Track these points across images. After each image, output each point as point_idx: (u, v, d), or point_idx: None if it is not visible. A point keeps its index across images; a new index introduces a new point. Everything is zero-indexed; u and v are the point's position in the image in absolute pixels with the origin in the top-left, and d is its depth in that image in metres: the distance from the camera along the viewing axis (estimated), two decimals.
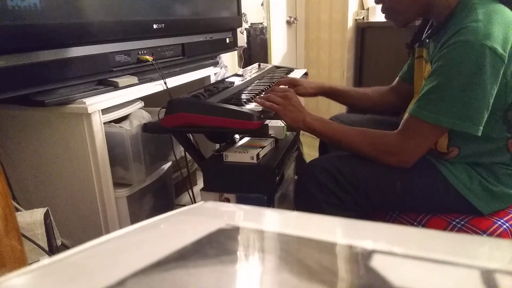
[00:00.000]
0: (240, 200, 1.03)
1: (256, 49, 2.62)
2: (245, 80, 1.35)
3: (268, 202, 1.02)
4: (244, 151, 1.05)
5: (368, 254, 0.30)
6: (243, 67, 2.45)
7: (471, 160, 0.93)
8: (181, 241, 0.32)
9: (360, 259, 0.30)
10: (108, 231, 1.12)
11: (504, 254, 0.34)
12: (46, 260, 0.29)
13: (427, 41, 0.99)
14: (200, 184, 1.67)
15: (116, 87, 1.10)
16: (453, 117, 0.82)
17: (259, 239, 0.35)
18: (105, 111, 1.05)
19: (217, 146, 1.31)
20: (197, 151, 1.24)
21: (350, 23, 2.85)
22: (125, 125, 1.15)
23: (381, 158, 0.93)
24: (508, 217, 0.93)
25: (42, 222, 0.88)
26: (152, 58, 1.20)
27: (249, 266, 0.29)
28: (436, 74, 0.84)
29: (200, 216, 0.43)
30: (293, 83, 1.24)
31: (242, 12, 2.13)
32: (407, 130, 0.90)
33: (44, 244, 0.88)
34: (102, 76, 1.08)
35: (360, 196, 0.95)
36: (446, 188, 0.92)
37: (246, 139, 1.18)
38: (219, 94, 1.12)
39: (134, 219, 1.21)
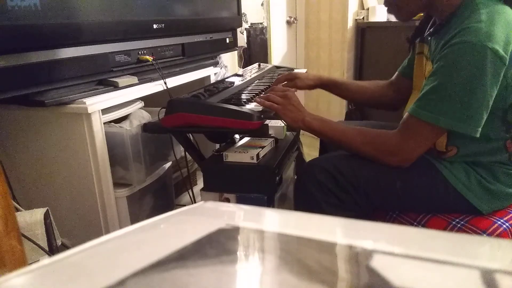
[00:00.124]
0: (240, 200, 1.03)
1: (256, 49, 2.62)
2: (245, 80, 1.35)
3: (268, 202, 1.02)
4: (244, 151, 1.05)
5: (368, 254, 0.30)
6: (243, 67, 2.45)
7: (470, 160, 0.93)
8: (181, 241, 0.32)
9: (360, 259, 0.30)
10: (108, 231, 1.12)
11: (504, 254, 0.34)
12: (46, 260, 0.29)
13: (429, 38, 0.99)
14: (200, 184, 1.67)
15: (116, 87, 1.10)
16: (452, 118, 0.82)
17: (259, 239, 0.35)
18: (105, 111, 1.05)
19: (217, 146, 1.31)
20: (197, 151, 1.24)
21: (350, 23, 2.85)
22: (125, 125, 1.15)
23: (380, 158, 0.93)
24: (508, 216, 0.93)
25: (42, 222, 0.88)
26: (152, 58, 1.20)
27: (249, 266, 0.29)
28: (437, 75, 0.84)
29: (200, 216, 0.43)
30: (291, 77, 1.24)
31: (242, 12, 2.13)
32: (406, 129, 0.90)
33: (44, 244, 0.88)
34: (102, 76, 1.08)
35: (359, 196, 0.95)
36: (446, 188, 0.92)
37: (246, 139, 1.18)
38: (219, 94, 1.12)
39: (134, 219, 1.21)
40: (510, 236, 0.91)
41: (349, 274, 0.28)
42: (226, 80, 1.37)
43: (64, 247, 1.06)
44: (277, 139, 1.19)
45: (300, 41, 3.19)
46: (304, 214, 0.41)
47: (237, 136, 1.20)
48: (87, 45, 1.02)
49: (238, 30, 1.84)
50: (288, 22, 3.05)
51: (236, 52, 2.38)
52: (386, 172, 0.94)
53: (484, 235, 0.89)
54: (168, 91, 1.23)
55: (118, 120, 1.15)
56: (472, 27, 0.80)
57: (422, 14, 1.07)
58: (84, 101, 0.99)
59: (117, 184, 1.15)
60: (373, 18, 2.81)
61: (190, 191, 1.43)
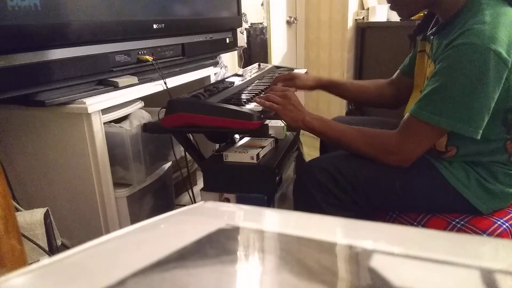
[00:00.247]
0: (240, 200, 1.03)
1: (256, 49, 2.63)
2: (245, 80, 1.35)
3: (268, 202, 1.02)
4: (244, 151, 1.05)
5: (368, 254, 0.30)
6: (243, 67, 2.45)
7: (469, 160, 0.93)
8: (181, 241, 0.32)
9: (360, 259, 0.30)
10: (108, 231, 1.12)
11: (504, 254, 0.34)
12: (46, 260, 0.29)
13: (431, 37, 0.99)
14: (200, 184, 1.67)
15: (116, 87, 1.10)
16: (453, 120, 0.82)
17: (259, 239, 0.35)
18: (105, 111, 1.05)
19: (217, 146, 1.31)
20: (197, 151, 1.24)
21: (350, 23, 2.85)
22: (125, 125, 1.15)
23: (380, 157, 0.93)
24: (508, 217, 0.93)
25: (42, 222, 0.88)
26: (152, 58, 1.20)
27: (249, 266, 0.29)
28: (439, 75, 0.84)
29: (200, 216, 0.43)
30: (290, 77, 1.23)
31: (242, 12, 2.13)
32: (407, 129, 0.90)
33: (44, 244, 0.88)
34: (102, 76, 1.08)
35: (359, 196, 0.95)
36: (445, 187, 0.92)
37: (246, 139, 1.18)
38: (219, 94, 1.12)
39: (134, 219, 1.21)
40: (510, 236, 0.91)
41: (349, 274, 0.28)
42: (226, 80, 1.37)
43: (64, 247, 1.06)
44: (277, 139, 1.19)
45: (300, 41, 3.19)
46: (304, 214, 0.41)
47: (237, 136, 1.20)
48: (87, 45, 1.02)
49: (238, 30, 1.84)
50: (288, 22, 3.05)
51: (236, 52, 2.38)
52: (386, 172, 0.94)
53: (484, 235, 0.89)
54: (168, 91, 1.23)
55: (118, 120, 1.15)
56: (476, 28, 0.80)
57: (422, 14, 1.06)
58: (84, 101, 0.99)
59: (117, 184, 1.15)
60: (373, 18, 2.80)
61: (190, 191, 1.43)
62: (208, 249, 0.31)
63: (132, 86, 1.15)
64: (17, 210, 0.96)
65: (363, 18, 2.86)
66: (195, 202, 1.27)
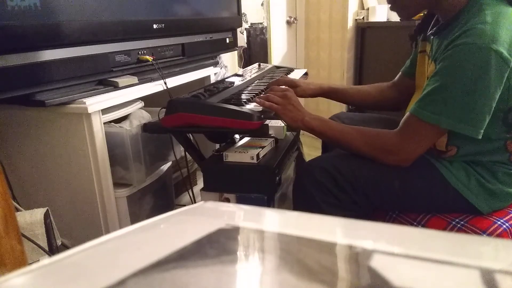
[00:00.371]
0: (240, 200, 1.03)
1: (256, 49, 2.63)
2: (245, 80, 1.35)
3: (268, 202, 1.02)
4: (244, 151, 1.05)
5: (368, 254, 0.30)
6: (243, 67, 2.45)
7: (469, 159, 0.93)
8: (181, 241, 0.32)
9: (360, 259, 0.30)
10: (108, 231, 1.12)
11: (504, 254, 0.34)
12: (46, 260, 0.29)
13: (432, 37, 0.99)
14: (200, 184, 1.67)
15: (116, 87, 1.10)
16: (454, 119, 0.82)
17: (259, 239, 0.35)
18: (105, 111, 1.05)
19: (217, 146, 1.31)
20: (197, 151, 1.24)
21: (350, 23, 2.85)
22: (125, 125, 1.15)
23: (379, 157, 0.93)
24: (508, 217, 0.93)
25: (42, 222, 0.88)
26: (152, 58, 1.20)
27: (249, 266, 0.29)
28: (439, 75, 0.84)
29: (200, 216, 0.43)
30: (291, 85, 1.23)
31: (242, 12, 2.13)
32: (407, 129, 0.90)
33: (44, 244, 0.88)
34: (102, 76, 1.08)
35: (359, 196, 0.95)
36: (445, 187, 0.92)
37: (246, 139, 1.18)
38: (219, 94, 1.12)
39: (134, 219, 1.21)
40: (510, 236, 0.91)
41: (349, 274, 0.28)
42: (226, 80, 1.37)
43: (64, 247, 1.06)
44: (277, 139, 1.19)
45: (300, 41, 3.19)
46: (304, 214, 0.41)
47: (237, 136, 1.20)
48: (87, 45, 1.02)
49: (238, 30, 1.84)
50: (288, 22, 3.05)
51: (236, 52, 2.38)
52: (386, 172, 0.94)
53: (484, 235, 0.89)
54: (168, 91, 1.23)
55: (118, 120, 1.15)
56: (477, 28, 0.80)
57: (422, 14, 1.06)
58: (84, 101, 0.99)
59: (117, 184, 1.15)
60: (373, 18, 2.81)
61: (190, 191, 1.43)
62: (208, 249, 0.31)
63: (132, 86, 1.15)
64: (17, 210, 0.96)
65: (363, 18, 2.86)
66: (195, 202, 1.27)
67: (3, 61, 0.82)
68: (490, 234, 0.90)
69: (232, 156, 1.04)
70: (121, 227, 1.15)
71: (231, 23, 1.71)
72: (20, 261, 0.72)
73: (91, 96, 1.02)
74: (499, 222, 0.91)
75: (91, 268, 0.29)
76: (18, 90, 0.87)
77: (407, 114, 0.91)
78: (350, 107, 2.92)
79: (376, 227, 0.39)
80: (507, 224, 0.91)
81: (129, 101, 1.15)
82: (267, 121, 1.12)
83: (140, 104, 1.22)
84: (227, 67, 2.28)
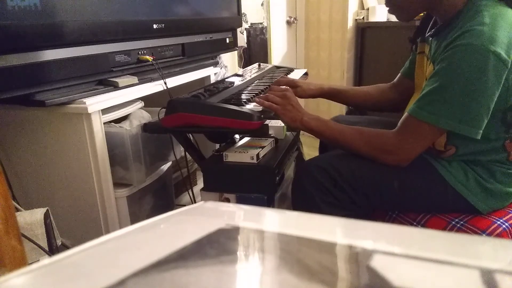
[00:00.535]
0: (240, 200, 1.03)
1: (256, 49, 2.63)
2: (245, 80, 1.35)
3: (268, 202, 1.02)
4: (244, 151, 1.05)
5: (368, 254, 0.30)
6: (243, 67, 2.45)
7: (468, 159, 0.93)
8: (181, 241, 0.32)
9: (360, 259, 0.30)
10: (108, 231, 1.12)
11: (504, 254, 0.34)
12: (46, 260, 0.29)
13: (430, 38, 0.99)
14: (200, 184, 1.67)
15: (116, 87, 1.10)
16: (453, 120, 0.82)
17: (259, 239, 0.35)
18: (105, 111, 1.05)
19: (217, 146, 1.31)
20: (197, 151, 1.24)
21: (350, 23, 2.85)
22: (125, 125, 1.15)
23: (378, 157, 0.94)
24: (508, 216, 0.93)
25: (42, 222, 0.88)
26: (152, 58, 1.20)
27: (249, 266, 0.29)
28: (438, 76, 0.84)
29: (200, 216, 0.43)
30: (292, 85, 1.23)
31: (242, 12, 2.13)
32: (405, 129, 0.90)
33: (44, 244, 0.88)
34: (102, 76, 1.08)
35: (358, 196, 0.95)
36: (444, 187, 0.92)
37: (246, 139, 1.18)
38: (219, 94, 1.12)
39: (134, 219, 1.21)
40: (509, 236, 0.91)
41: (349, 274, 0.28)
42: (226, 80, 1.37)
43: (64, 247, 1.06)
44: (277, 139, 1.19)
45: (300, 41, 3.19)
46: (304, 214, 0.41)
47: (237, 136, 1.20)
48: (87, 45, 1.02)
49: (238, 30, 1.84)
50: (288, 22, 3.05)
51: (236, 52, 2.38)
52: (385, 172, 0.94)
53: (484, 235, 0.90)
54: (168, 91, 1.23)
55: (118, 120, 1.15)
56: (475, 29, 0.80)
57: (422, 14, 1.07)
58: (84, 101, 0.99)
59: (117, 184, 1.15)
60: (373, 18, 2.81)
61: (190, 191, 1.43)
62: (208, 249, 0.31)
63: (132, 86, 1.15)
64: (17, 210, 0.96)
65: (363, 18, 2.86)
66: (195, 202, 1.27)
67: (3, 61, 0.82)
68: (489, 234, 0.90)
69: (232, 156, 1.04)
70: (121, 227, 1.15)
71: (231, 23, 1.71)
72: (20, 261, 0.72)
73: (91, 96, 1.02)
74: (498, 222, 0.91)
75: (91, 268, 0.29)
76: (18, 90, 0.87)
77: (405, 114, 0.91)
78: (350, 107, 2.92)
79: (376, 227, 0.39)
80: (506, 224, 0.91)
81: (129, 101, 1.15)
82: (267, 121, 1.12)
83: (140, 104, 1.22)
84: (227, 67, 2.28)
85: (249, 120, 0.94)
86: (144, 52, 1.21)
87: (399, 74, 1.23)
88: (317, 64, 3.16)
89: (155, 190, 1.33)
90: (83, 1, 0.98)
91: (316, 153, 1.33)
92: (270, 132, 1.21)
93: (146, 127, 1.08)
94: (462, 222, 0.93)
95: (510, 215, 0.93)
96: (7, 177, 1.07)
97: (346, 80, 2.98)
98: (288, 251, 0.31)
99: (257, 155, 1.03)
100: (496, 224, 0.91)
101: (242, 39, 2.47)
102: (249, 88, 1.27)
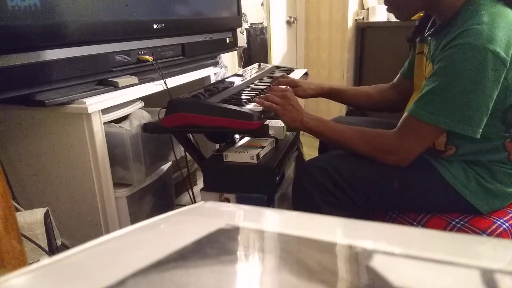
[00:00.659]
0: (240, 200, 1.03)
1: (256, 49, 2.63)
2: (245, 80, 1.35)
3: (268, 202, 1.02)
4: (244, 151, 1.05)
5: (368, 254, 0.30)
6: (243, 67, 2.45)
7: (468, 159, 0.93)
8: (181, 241, 0.32)
9: (360, 259, 0.30)
10: (108, 231, 1.12)
11: (504, 254, 0.34)
12: (46, 260, 0.29)
13: (429, 38, 0.99)
14: (200, 184, 1.67)
15: (116, 87, 1.10)
16: (452, 119, 0.82)
17: (259, 239, 0.35)
18: (105, 111, 1.05)
19: (217, 146, 1.31)
20: (197, 151, 1.24)
21: (350, 23, 2.85)
22: (125, 125, 1.15)
23: (378, 157, 0.94)
24: (508, 216, 0.93)
25: (42, 222, 0.88)
26: (152, 58, 1.20)
27: (249, 266, 0.29)
28: (437, 75, 0.84)
29: (200, 216, 0.43)
30: (292, 85, 1.23)
31: (242, 12, 2.13)
32: (405, 129, 0.90)
33: (44, 244, 0.88)
34: (102, 76, 1.08)
35: (358, 196, 0.95)
36: (444, 187, 0.92)
37: (246, 139, 1.18)
38: (219, 94, 1.12)
39: (134, 219, 1.21)
40: (510, 236, 0.91)
41: (349, 274, 0.28)
42: (226, 80, 1.37)
43: (64, 247, 1.06)
44: (277, 139, 1.19)
45: (300, 41, 3.19)
46: (304, 214, 0.41)
47: (237, 136, 1.20)
48: (87, 45, 1.02)
49: (238, 30, 1.84)
50: (288, 22, 3.05)
51: (236, 52, 2.38)
52: (385, 172, 0.94)
53: (484, 235, 0.90)
54: (168, 91, 1.23)
55: (118, 120, 1.15)
56: (474, 29, 0.80)
57: (421, 14, 1.07)
58: (84, 101, 0.99)
59: (117, 184, 1.15)
60: (373, 18, 2.81)
61: (190, 191, 1.43)
62: (208, 249, 0.31)
63: (132, 86, 1.15)
64: (17, 210, 0.96)
65: (363, 18, 2.86)
66: (195, 202, 1.27)
67: (3, 61, 0.82)
68: (490, 234, 0.90)
69: (232, 156, 1.04)
70: (121, 227, 1.15)
71: (231, 23, 1.71)
72: (20, 261, 0.72)
73: (91, 96, 1.02)
74: (498, 222, 0.91)
75: (91, 268, 0.29)
76: (18, 90, 0.87)
77: (405, 114, 0.91)
78: (349, 107, 2.92)
79: (376, 227, 0.39)
80: (507, 224, 0.91)
81: (129, 101, 1.15)
82: (267, 121, 1.12)
83: (140, 104, 1.22)
84: (227, 67, 2.28)
85: (249, 120, 0.94)
86: (144, 52, 1.21)
87: (398, 75, 1.23)
88: (317, 64, 3.16)
89: (155, 190, 1.33)
90: (83, 1, 0.98)
91: (316, 153, 1.33)
92: (270, 132, 1.21)
93: (146, 127, 1.08)
94: (462, 222, 0.93)
95: (510, 215, 0.93)
96: (7, 177, 1.07)
97: (346, 80, 2.98)
98: (288, 251, 0.31)
99: (257, 155, 1.03)
100: (496, 224, 0.91)
101: (242, 39, 2.47)
102: (249, 88, 1.27)
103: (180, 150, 1.42)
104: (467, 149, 0.91)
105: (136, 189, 1.21)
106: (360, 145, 0.95)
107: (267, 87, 1.26)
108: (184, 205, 1.54)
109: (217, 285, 0.25)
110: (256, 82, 1.38)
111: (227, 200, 1.05)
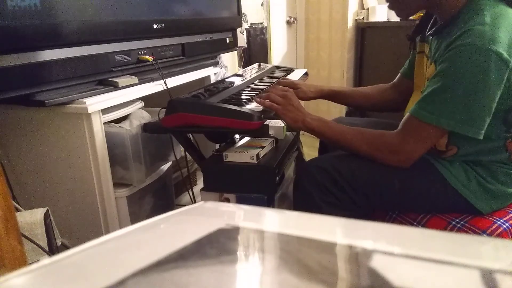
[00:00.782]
0: (240, 200, 1.03)
1: (256, 49, 2.62)
2: (245, 80, 1.35)
3: (268, 202, 1.02)
4: (244, 151, 1.05)
5: (368, 254, 0.30)
6: (243, 67, 2.45)
7: (469, 159, 0.93)
8: (181, 241, 0.32)
9: (360, 259, 0.30)
10: (108, 231, 1.12)
11: (504, 254, 0.34)
12: (46, 260, 0.29)
13: (430, 38, 0.99)
14: (200, 184, 1.67)
15: (116, 87, 1.10)
16: (454, 120, 0.82)
17: (259, 239, 0.35)
18: (105, 111, 1.05)
19: (217, 146, 1.31)
20: (197, 151, 1.24)
21: (350, 23, 2.85)
22: (125, 125, 1.15)
23: (380, 158, 0.93)
24: (508, 216, 0.93)
25: (42, 222, 0.88)
26: (152, 58, 1.20)
27: (249, 266, 0.29)
28: (440, 76, 0.84)
29: (200, 216, 0.43)
30: (292, 87, 1.23)
31: (242, 12, 2.13)
32: (407, 130, 0.90)
33: (44, 244, 0.88)
34: (102, 76, 1.08)
35: (358, 196, 0.95)
36: (445, 187, 0.92)
37: (246, 139, 1.18)
38: (219, 94, 1.12)
39: (134, 219, 1.21)
40: (510, 236, 0.91)
41: (349, 274, 0.28)
42: (226, 80, 1.37)
43: (64, 247, 1.06)
44: (277, 139, 1.19)
45: (300, 41, 3.19)
46: (304, 214, 0.41)
47: (237, 136, 1.20)
48: (87, 45, 1.02)
49: (238, 30, 1.84)
50: (288, 22, 3.05)
51: (236, 52, 2.38)
52: (385, 172, 0.94)
53: (484, 235, 0.89)
54: (168, 91, 1.23)
55: (118, 120, 1.15)
56: (476, 29, 0.80)
57: (421, 14, 1.06)
58: (84, 101, 0.99)
59: (117, 184, 1.15)
60: (373, 18, 2.81)
61: (190, 191, 1.43)
62: (208, 249, 0.31)
63: (132, 86, 1.15)
64: (17, 210, 0.96)
65: (363, 18, 2.86)
66: (195, 202, 1.27)
67: (3, 61, 0.82)
68: (490, 234, 0.90)
69: (232, 156, 1.04)
70: (121, 227, 1.15)
71: (231, 23, 1.71)
72: (20, 261, 0.72)
73: (91, 96, 1.02)
74: (499, 222, 0.91)
75: (91, 268, 0.29)
76: (18, 90, 0.87)
77: (407, 114, 0.91)
78: (349, 108, 2.92)
79: (376, 227, 0.39)
80: (507, 224, 0.91)
81: (129, 101, 1.15)
82: (267, 121, 1.12)
83: (140, 104, 1.22)
84: (227, 67, 2.28)
85: (249, 120, 0.94)
86: (144, 52, 1.21)
87: (399, 75, 1.23)
88: (317, 64, 3.16)
89: (155, 190, 1.33)
90: (83, 1, 0.98)
91: (316, 153, 1.33)
92: (270, 132, 1.21)
93: (146, 127, 1.08)
94: (462, 222, 0.93)
95: (511, 215, 0.93)
96: (7, 177, 1.07)
97: (346, 80, 2.98)
98: (288, 251, 0.31)
99: (257, 155, 1.03)
100: (496, 224, 0.91)
101: (242, 39, 2.47)
102: (249, 88, 1.27)
103: (180, 150, 1.42)
104: (468, 149, 0.91)
105: (136, 189, 1.21)
106: (362, 145, 0.95)
107: (267, 87, 1.26)
108: (184, 205, 1.54)
109: (217, 285, 0.25)
110: (256, 82, 1.38)
111: (227, 200, 1.05)
